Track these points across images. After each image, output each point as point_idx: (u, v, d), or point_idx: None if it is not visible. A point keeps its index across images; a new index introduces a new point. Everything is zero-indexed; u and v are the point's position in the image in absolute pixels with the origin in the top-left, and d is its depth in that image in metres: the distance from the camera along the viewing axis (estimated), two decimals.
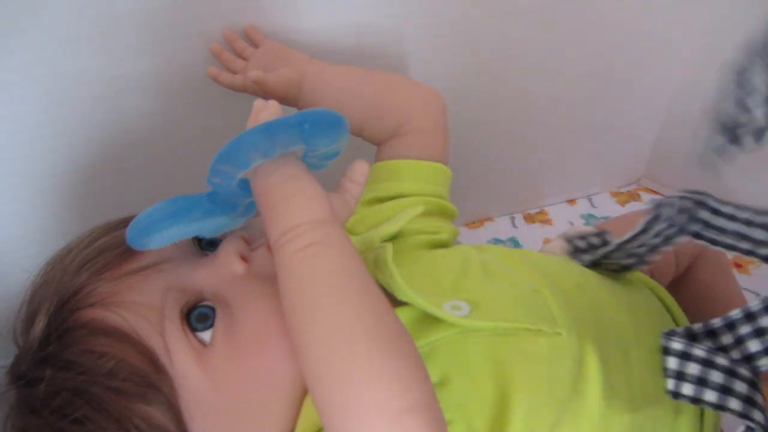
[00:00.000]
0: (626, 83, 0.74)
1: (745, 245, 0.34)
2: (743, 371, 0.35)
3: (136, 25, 0.49)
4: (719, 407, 0.36)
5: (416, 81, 0.51)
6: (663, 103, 0.79)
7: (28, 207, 0.52)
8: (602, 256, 0.43)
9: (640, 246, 0.40)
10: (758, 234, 0.33)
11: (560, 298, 0.40)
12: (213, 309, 0.37)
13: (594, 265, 0.45)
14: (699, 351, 0.37)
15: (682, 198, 0.36)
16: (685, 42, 0.73)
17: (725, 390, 0.36)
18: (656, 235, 0.38)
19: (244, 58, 0.53)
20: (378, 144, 0.51)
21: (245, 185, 0.34)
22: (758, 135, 0.27)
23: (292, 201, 0.31)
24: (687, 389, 0.37)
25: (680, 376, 0.38)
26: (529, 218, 0.81)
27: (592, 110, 0.75)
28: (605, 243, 0.43)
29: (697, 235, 0.36)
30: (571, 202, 0.84)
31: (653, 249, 0.40)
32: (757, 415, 0.35)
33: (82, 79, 0.50)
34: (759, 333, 0.36)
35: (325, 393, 0.28)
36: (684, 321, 0.48)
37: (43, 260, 0.41)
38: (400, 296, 0.37)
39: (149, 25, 0.50)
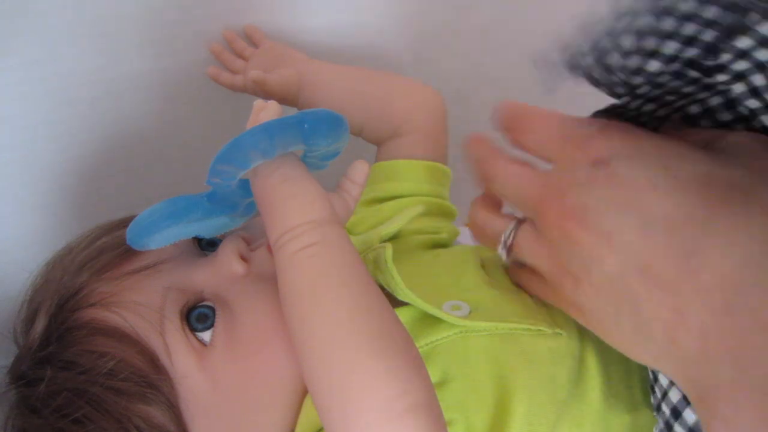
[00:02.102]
0: None
1: None
2: None
3: (136, 25, 0.49)
4: None
5: (416, 81, 0.51)
6: None
7: (28, 207, 0.52)
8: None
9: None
10: None
11: None
12: (213, 309, 0.37)
13: None
14: None
15: None
16: None
17: None
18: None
19: (244, 58, 0.53)
20: (378, 144, 0.51)
21: (245, 185, 0.34)
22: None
23: (291, 201, 0.31)
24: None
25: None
26: None
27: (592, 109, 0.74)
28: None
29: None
30: None
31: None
32: None
33: (82, 79, 0.50)
34: None
35: (325, 393, 0.28)
36: None
37: (43, 260, 0.41)
38: (400, 296, 0.37)
39: (149, 25, 0.50)
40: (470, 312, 0.37)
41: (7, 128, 0.49)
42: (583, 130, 0.31)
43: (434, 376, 0.35)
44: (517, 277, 0.39)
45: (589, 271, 0.28)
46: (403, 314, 0.37)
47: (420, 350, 0.30)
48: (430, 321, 0.37)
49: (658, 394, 0.34)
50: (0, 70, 0.46)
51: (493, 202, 0.37)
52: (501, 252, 0.35)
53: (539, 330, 0.37)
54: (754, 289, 0.24)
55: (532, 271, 0.35)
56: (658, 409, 0.34)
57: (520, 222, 0.34)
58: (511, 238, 0.34)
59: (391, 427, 0.27)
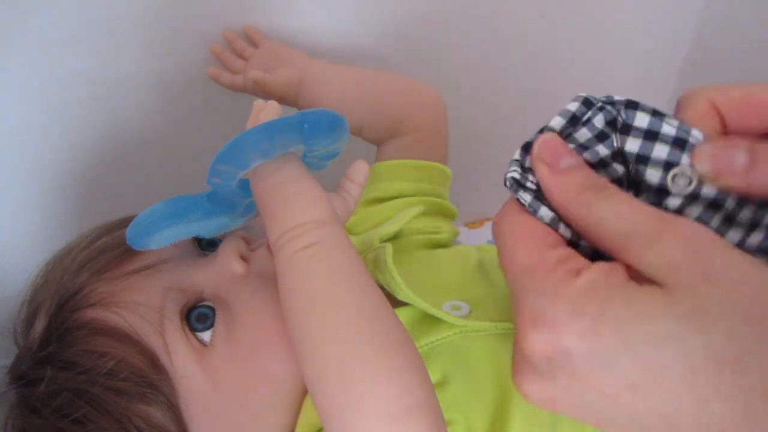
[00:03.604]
0: (629, 82, 0.74)
1: None
2: None
3: (136, 25, 0.49)
4: None
5: (416, 81, 0.51)
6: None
7: (28, 207, 0.52)
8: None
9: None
10: None
11: None
12: (213, 309, 0.37)
13: None
14: None
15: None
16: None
17: None
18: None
19: (244, 58, 0.53)
20: (378, 144, 0.51)
21: (245, 185, 0.34)
22: None
23: (291, 201, 0.31)
24: None
25: None
26: None
27: None
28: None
29: None
30: None
31: None
32: None
33: (83, 79, 0.50)
34: None
35: (325, 393, 0.28)
36: None
37: (43, 260, 0.41)
38: (400, 296, 0.37)
39: (149, 25, 0.50)
40: (470, 312, 0.37)
41: (6, 128, 0.49)
42: (529, 304, 0.24)
43: (434, 376, 0.35)
44: None
45: None
46: (403, 314, 0.37)
47: (420, 350, 0.30)
48: (429, 321, 0.37)
49: None
50: (1, 70, 0.46)
51: None
52: None
53: None
54: None
55: None
56: None
57: None
58: None
59: (391, 427, 0.27)
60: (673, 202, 0.26)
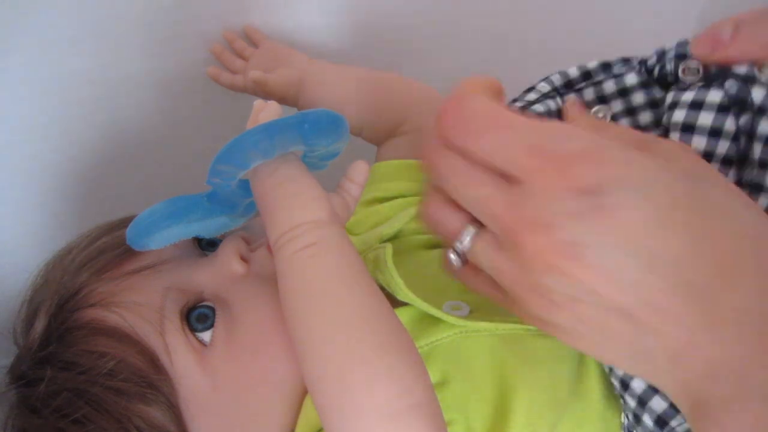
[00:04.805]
0: None
1: None
2: None
3: (136, 25, 0.49)
4: None
5: (415, 81, 0.51)
6: None
7: (28, 207, 0.52)
8: None
9: None
10: None
11: None
12: (213, 309, 0.37)
13: None
14: None
15: None
16: None
17: None
18: None
19: (244, 58, 0.53)
20: (378, 144, 0.51)
21: (245, 185, 0.34)
22: None
23: (291, 201, 0.31)
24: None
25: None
26: None
27: None
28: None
29: None
30: None
31: None
32: None
33: (83, 79, 0.50)
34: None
35: (325, 393, 0.28)
36: None
37: (43, 260, 0.41)
38: (400, 297, 0.37)
39: (149, 25, 0.50)
40: (470, 312, 0.37)
41: (7, 128, 0.49)
42: (563, 147, 0.26)
43: (434, 377, 0.35)
44: (468, 279, 0.32)
45: (577, 301, 0.26)
46: (403, 314, 0.37)
47: (420, 350, 0.30)
48: (429, 321, 0.37)
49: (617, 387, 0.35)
50: (1, 70, 0.46)
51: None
52: (452, 258, 0.30)
53: (539, 330, 0.37)
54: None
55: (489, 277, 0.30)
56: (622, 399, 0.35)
57: (480, 228, 0.29)
58: (468, 245, 0.29)
59: (390, 427, 0.27)
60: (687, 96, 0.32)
